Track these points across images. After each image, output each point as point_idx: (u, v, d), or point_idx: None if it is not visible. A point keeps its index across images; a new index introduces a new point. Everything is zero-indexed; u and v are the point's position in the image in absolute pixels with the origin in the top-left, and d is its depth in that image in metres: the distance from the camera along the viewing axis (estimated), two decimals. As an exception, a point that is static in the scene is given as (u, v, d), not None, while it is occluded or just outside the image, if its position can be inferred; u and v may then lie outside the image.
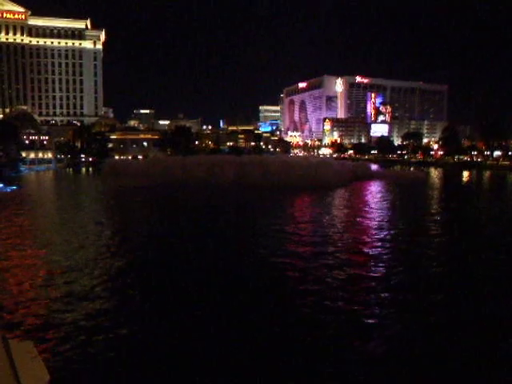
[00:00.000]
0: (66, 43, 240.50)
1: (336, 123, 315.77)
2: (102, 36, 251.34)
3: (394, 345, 16.53)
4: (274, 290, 22.32)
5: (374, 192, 76.77)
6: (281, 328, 17.68)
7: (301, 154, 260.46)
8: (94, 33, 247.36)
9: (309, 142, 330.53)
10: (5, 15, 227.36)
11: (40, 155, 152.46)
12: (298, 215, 48.64)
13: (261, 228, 39.65)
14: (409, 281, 24.17)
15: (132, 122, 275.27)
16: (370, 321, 18.45)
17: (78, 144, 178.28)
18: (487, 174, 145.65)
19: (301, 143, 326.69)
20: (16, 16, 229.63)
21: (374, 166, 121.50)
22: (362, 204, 58.02)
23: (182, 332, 17.25)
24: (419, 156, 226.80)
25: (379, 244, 32.83)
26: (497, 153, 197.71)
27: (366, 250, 30.76)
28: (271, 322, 18.15)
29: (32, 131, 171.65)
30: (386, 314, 19.25)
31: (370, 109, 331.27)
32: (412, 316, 19.23)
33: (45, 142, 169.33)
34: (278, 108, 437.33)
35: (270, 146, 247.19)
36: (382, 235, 36.27)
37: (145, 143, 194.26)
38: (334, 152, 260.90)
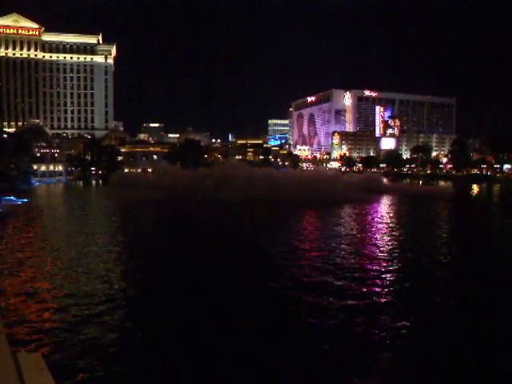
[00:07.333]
0: (78, 58, 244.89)
1: (345, 137, 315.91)
2: (113, 50, 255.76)
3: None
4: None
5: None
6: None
7: (311, 168, 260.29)
8: (106, 47, 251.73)
9: (318, 155, 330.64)
10: (19, 31, 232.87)
11: (51, 168, 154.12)
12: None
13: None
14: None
15: (142, 136, 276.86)
16: None
17: (89, 157, 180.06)
18: (497, 187, 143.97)
19: (310, 157, 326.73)
20: (30, 32, 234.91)
21: (384, 180, 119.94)
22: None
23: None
24: (428, 169, 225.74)
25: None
26: (507, 166, 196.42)
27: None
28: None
29: (43, 144, 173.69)
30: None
31: (378, 122, 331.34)
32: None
33: (56, 155, 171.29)
34: (286, 122, 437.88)
35: (278, 160, 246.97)
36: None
37: (154, 156, 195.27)
38: (343, 165, 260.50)
